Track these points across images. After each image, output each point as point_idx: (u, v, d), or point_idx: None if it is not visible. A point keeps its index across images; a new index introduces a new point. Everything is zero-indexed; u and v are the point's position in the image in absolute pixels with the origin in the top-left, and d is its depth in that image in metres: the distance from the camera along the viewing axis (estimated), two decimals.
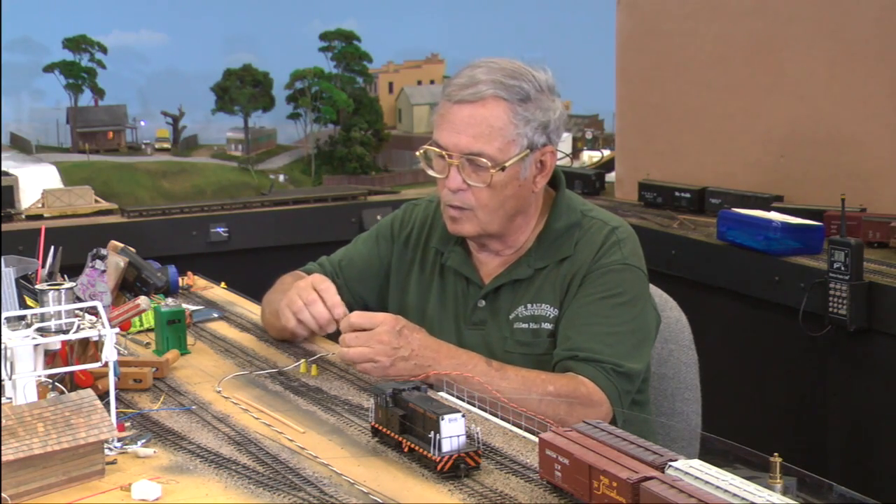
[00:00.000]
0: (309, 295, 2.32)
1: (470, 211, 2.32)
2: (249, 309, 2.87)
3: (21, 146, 5.70)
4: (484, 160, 2.25)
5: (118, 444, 1.83)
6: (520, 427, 1.90)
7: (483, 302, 2.41)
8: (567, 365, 2.23)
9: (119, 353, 2.09)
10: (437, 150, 2.30)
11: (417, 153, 2.40)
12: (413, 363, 2.16)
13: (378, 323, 2.19)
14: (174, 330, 2.43)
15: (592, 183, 5.35)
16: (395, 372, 2.15)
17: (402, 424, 1.78)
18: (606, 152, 5.76)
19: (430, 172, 2.36)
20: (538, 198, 2.40)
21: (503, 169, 2.26)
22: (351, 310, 2.47)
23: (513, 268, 2.39)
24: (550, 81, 2.33)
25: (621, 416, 2.21)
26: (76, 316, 1.90)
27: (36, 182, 5.05)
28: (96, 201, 4.87)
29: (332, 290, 2.33)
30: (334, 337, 2.37)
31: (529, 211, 2.39)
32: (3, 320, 1.80)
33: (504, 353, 2.33)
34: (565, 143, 5.81)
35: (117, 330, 2.07)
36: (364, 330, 2.19)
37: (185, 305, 2.56)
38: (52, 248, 2.51)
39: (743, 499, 1.33)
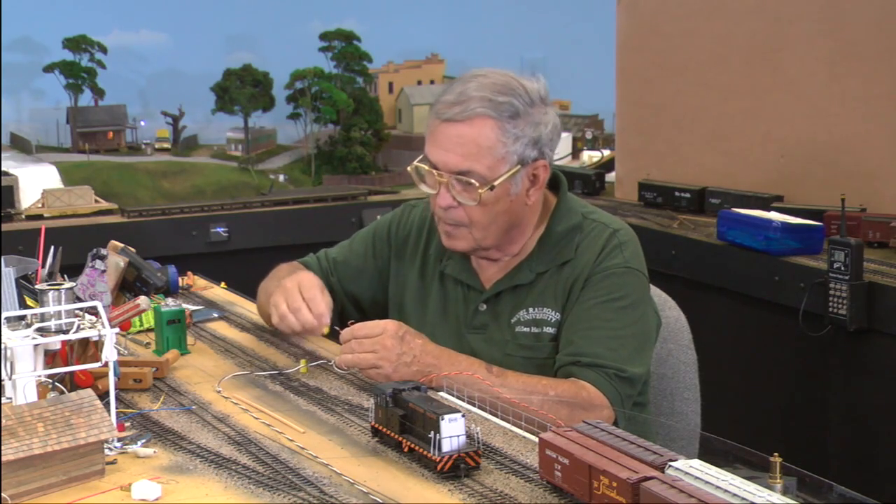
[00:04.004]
0: (294, 301, 2.30)
1: (463, 227, 2.31)
2: (249, 309, 2.87)
3: (21, 146, 5.69)
4: (473, 179, 2.24)
5: (118, 444, 1.83)
6: (520, 427, 1.90)
7: (484, 306, 2.40)
8: (570, 370, 2.23)
9: (119, 353, 2.09)
10: (426, 167, 2.30)
11: (409, 168, 2.38)
12: (415, 369, 2.16)
13: (381, 329, 2.18)
14: (174, 330, 2.43)
15: (592, 183, 5.35)
16: (397, 377, 2.14)
17: (402, 424, 1.78)
18: (606, 152, 5.77)
19: (422, 188, 2.35)
20: (534, 208, 2.38)
21: (492, 187, 2.24)
22: (342, 309, 2.47)
23: (514, 272, 2.39)
24: (543, 92, 2.30)
25: (623, 417, 2.21)
26: (76, 316, 1.90)
27: (36, 182, 5.05)
28: (96, 201, 4.86)
29: (317, 299, 2.30)
30: (335, 337, 2.37)
31: (524, 222, 2.38)
32: (3, 320, 1.80)
33: (505, 356, 2.33)
34: (565, 142, 5.81)
35: (117, 330, 2.07)
36: (367, 337, 2.19)
37: (185, 305, 2.56)
38: (52, 248, 2.51)
39: (743, 499, 1.33)
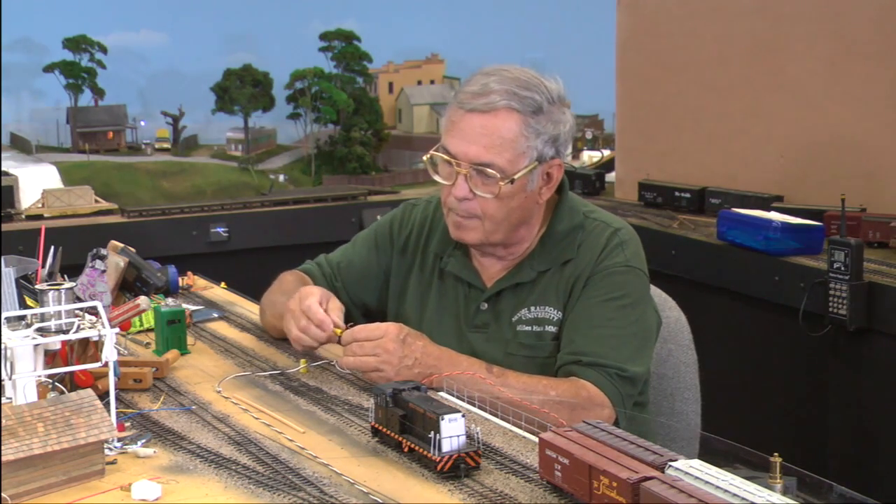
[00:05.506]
0: (300, 321, 2.27)
1: (475, 219, 2.31)
2: (249, 309, 2.87)
3: (21, 146, 5.70)
4: (493, 171, 2.23)
5: (118, 444, 1.83)
6: (520, 427, 1.90)
7: (485, 305, 2.40)
8: (571, 369, 2.23)
9: (119, 353, 2.09)
10: (445, 156, 2.29)
11: (424, 158, 2.37)
12: (417, 371, 2.16)
13: (382, 332, 2.18)
14: (174, 330, 2.43)
15: (592, 183, 5.35)
16: (399, 380, 2.13)
17: (402, 424, 1.78)
18: (606, 152, 5.77)
19: (436, 178, 2.33)
20: (542, 207, 2.39)
21: (512, 181, 2.24)
22: (348, 311, 2.46)
23: (515, 271, 2.39)
24: (561, 92, 2.31)
25: (624, 417, 2.21)
26: (76, 316, 1.90)
27: (36, 182, 5.05)
28: (96, 201, 4.87)
29: (313, 308, 2.26)
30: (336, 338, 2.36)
31: (532, 220, 2.38)
32: (3, 320, 1.80)
33: (507, 355, 2.32)
34: None
35: (117, 330, 2.06)
36: (368, 340, 2.18)
37: (185, 305, 2.56)
38: (52, 248, 2.51)
39: (743, 499, 1.33)
